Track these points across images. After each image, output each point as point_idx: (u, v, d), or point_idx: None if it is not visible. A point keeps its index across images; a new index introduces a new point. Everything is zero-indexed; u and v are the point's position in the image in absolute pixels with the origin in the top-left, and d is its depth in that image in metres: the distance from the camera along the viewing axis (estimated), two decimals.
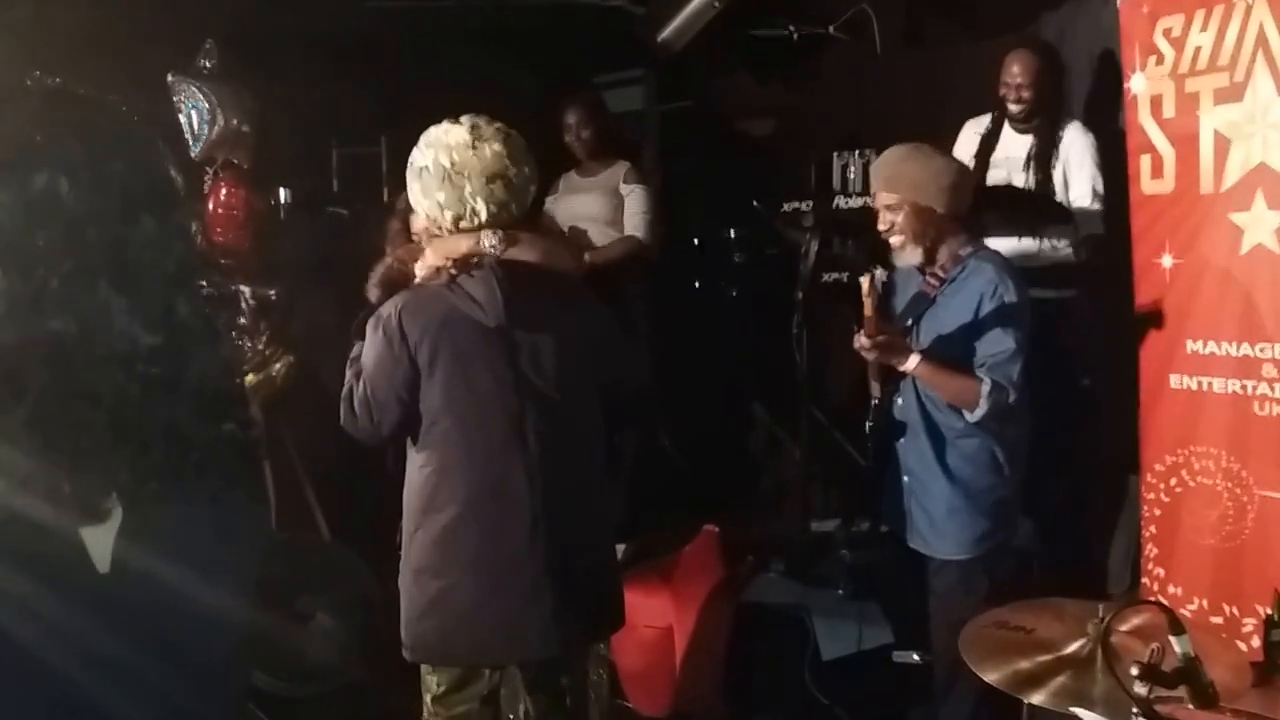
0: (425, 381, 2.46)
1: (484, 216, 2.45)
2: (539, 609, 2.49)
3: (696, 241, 5.65)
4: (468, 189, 2.42)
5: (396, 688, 2.94)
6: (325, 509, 4.30)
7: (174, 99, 3.98)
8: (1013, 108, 4.09)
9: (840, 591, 4.29)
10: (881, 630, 3.72)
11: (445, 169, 2.41)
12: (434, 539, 2.50)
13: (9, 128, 1.00)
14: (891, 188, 3.09)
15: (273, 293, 3.88)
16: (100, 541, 1.08)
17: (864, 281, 3.00)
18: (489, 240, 2.45)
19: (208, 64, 4.03)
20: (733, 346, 5.48)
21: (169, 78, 3.98)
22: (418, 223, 2.73)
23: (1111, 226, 3.94)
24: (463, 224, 2.45)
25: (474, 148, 2.41)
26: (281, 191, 4.31)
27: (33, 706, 1.05)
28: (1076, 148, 4.09)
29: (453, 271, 2.43)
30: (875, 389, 3.20)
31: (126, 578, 1.09)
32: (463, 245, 2.45)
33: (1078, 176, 4.06)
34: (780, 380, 5.23)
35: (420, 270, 2.51)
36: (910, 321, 3.19)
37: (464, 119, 2.47)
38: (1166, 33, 3.33)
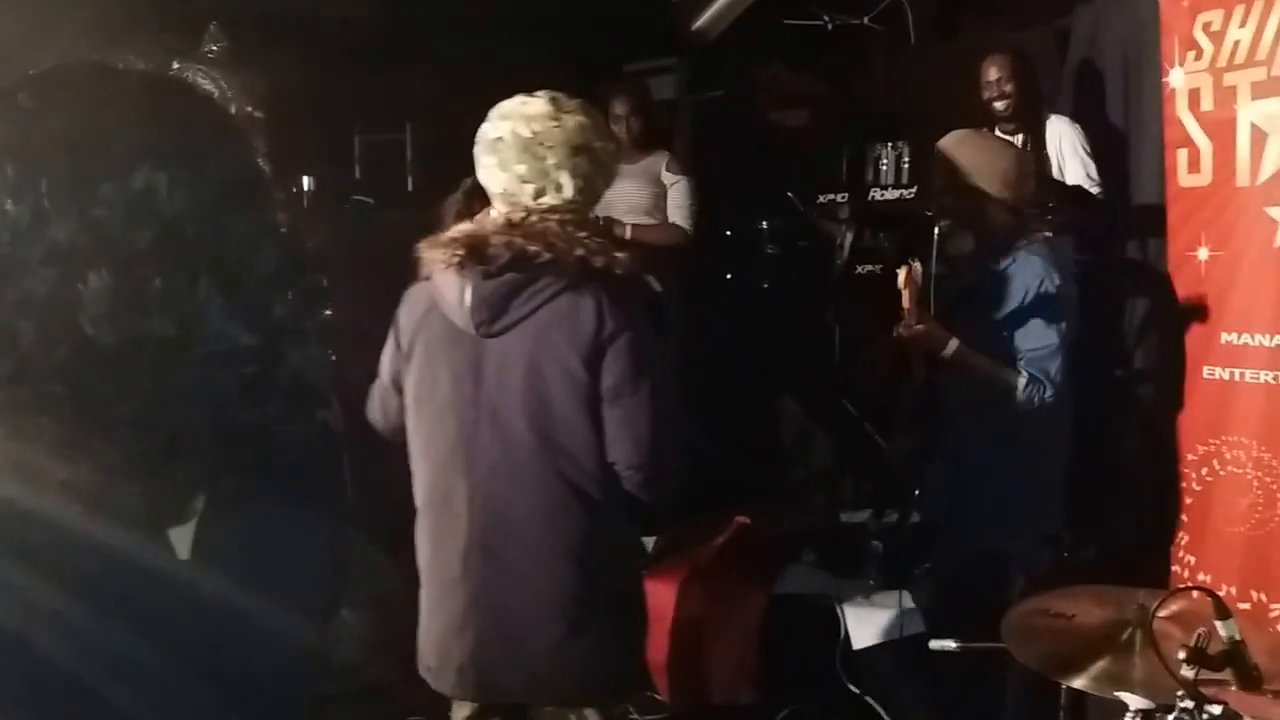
0: (404, 371, 2.36)
1: (569, 192, 2.20)
2: (461, 645, 2.27)
3: (729, 232, 5.68)
4: (550, 160, 2.18)
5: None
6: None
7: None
8: (998, 105, 4.27)
9: (871, 581, 4.34)
10: (913, 619, 3.75)
11: (525, 140, 2.18)
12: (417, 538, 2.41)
13: (108, 121, 0.98)
14: (952, 172, 3.06)
15: (324, 282, 3.88)
16: (183, 533, 1.07)
17: (901, 272, 3.02)
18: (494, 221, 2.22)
19: (214, 48, 3.94)
20: (764, 338, 5.50)
21: (174, 65, 3.93)
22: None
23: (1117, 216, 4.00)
24: (545, 200, 2.19)
25: (556, 119, 2.20)
26: (305, 179, 4.25)
27: (112, 693, 1.04)
28: (1066, 138, 4.23)
29: (448, 260, 2.21)
30: (917, 376, 3.21)
31: (206, 568, 1.08)
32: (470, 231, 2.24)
33: (1072, 164, 4.19)
34: (812, 371, 5.27)
35: (426, 255, 2.31)
36: (954, 308, 3.20)
37: (540, 92, 2.26)
38: (1206, 27, 3.35)
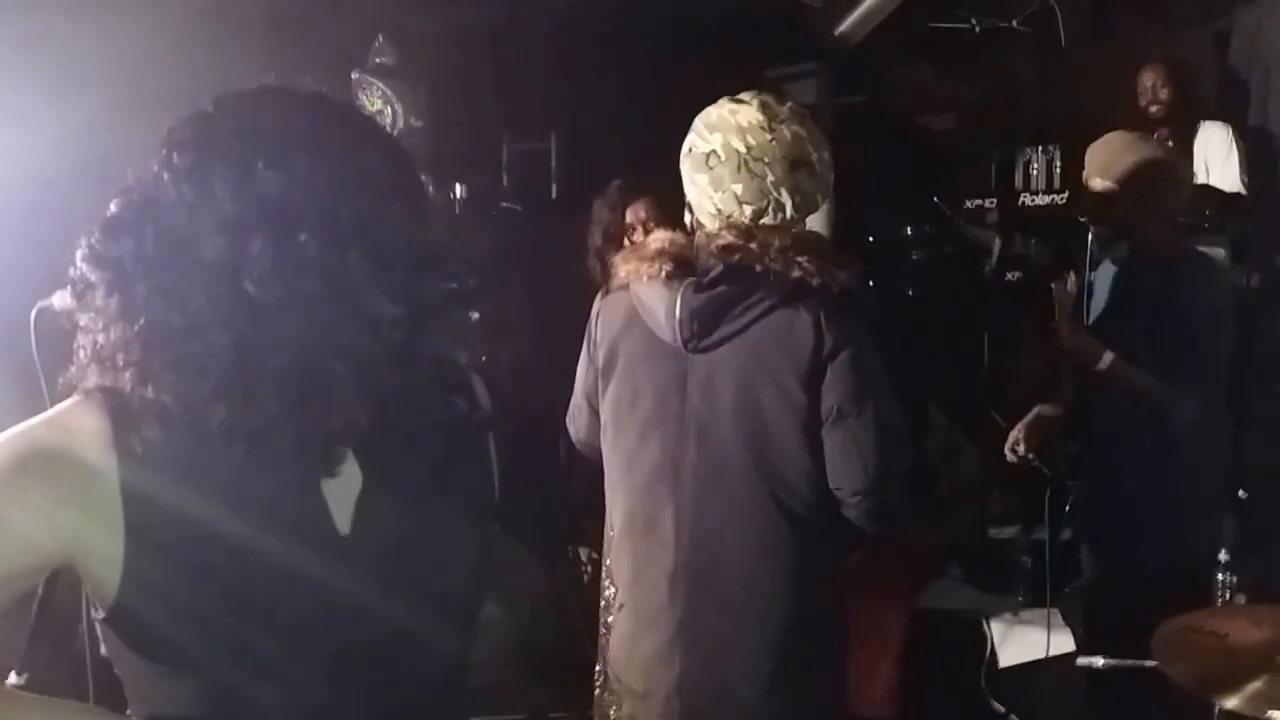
0: (602, 387, 2.26)
1: (790, 210, 2.06)
2: (669, 674, 2.15)
3: (871, 239, 5.61)
4: (770, 178, 2.03)
5: (561, 683, 2.91)
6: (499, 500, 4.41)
7: (358, 97, 4.01)
8: (1153, 109, 4.37)
9: (1019, 598, 4.23)
10: (1062, 637, 3.64)
11: (741, 155, 2.03)
12: (607, 554, 2.33)
13: (274, 116, 1.15)
14: (1107, 175, 2.96)
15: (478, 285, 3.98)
16: (342, 502, 1.20)
17: (1055, 285, 2.95)
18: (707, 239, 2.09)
19: (382, 60, 4.08)
20: (910, 347, 5.41)
21: (353, 75, 4.02)
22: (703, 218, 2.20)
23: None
24: (765, 220, 2.05)
25: (771, 130, 2.04)
26: (457, 187, 4.28)
27: (275, 661, 1.16)
28: (1219, 143, 4.26)
29: (651, 273, 2.12)
30: (1065, 391, 3.13)
31: (364, 540, 1.21)
32: (672, 244, 2.14)
33: (1224, 170, 4.22)
34: (959, 382, 5.16)
35: (624, 267, 2.21)
36: (1102, 319, 3.10)
37: (747, 96, 2.10)
38: None
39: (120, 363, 1.09)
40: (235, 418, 1.08)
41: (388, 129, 4.04)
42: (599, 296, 2.34)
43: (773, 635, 2.11)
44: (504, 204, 4.51)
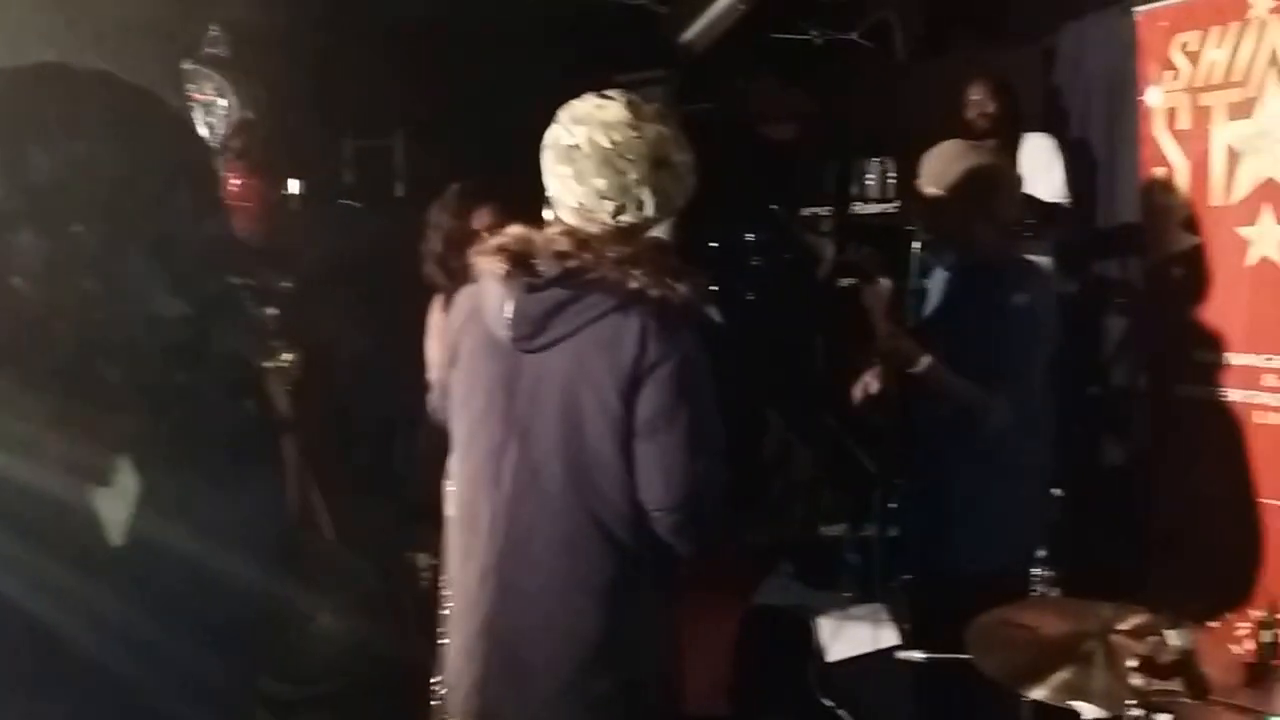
0: (451, 376, 2.26)
1: (650, 209, 2.04)
2: (470, 669, 2.14)
3: (714, 244, 5.70)
4: (632, 175, 2.01)
5: (399, 692, 2.85)
6: (330, 508, 4.31)
7: (189, 87, 3.90)
8: (980, 124, 4.44)
9: (847, 594, 4.36)
10: (886, 632, 3.76)
11: (606, 151, 2.00)
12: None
13: (50, 98, 1.06)
14: (940, 183, 3.02)
15: (287, 284, 3.86)
16: (115, 512, 1.11)
17: (867, 289, 3.02)
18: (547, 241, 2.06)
19: (217, 51, 3.96)
20: (748, 350, 5.52)
21: (184, 65, 3.89)
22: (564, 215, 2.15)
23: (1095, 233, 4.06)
24: (624, 218, 2.04)
25: (636, 128, 2.01)
26: (292, 183, 4.23)
27: (43, 676, 1.09)
28: (1041, 155, 4.39)
29: (491, 268, 2.09)
30: (874, 384, 3.20)
31: (141, 550, 1.12)
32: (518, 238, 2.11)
33: (1045, 181, 4.32)
34: (794, 384, 5.30)
35: (476, 260, 2.17)
36: (932, 323, 3.20)
37: (614, 93, 2.08)
38: (1183, 47, 3.40)
39: None
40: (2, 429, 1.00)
41: (220, 121, 3.91)
42: (439, 299, 2.32)
43: (575, 646, 2.08)
44: (342, 201, 4.40)
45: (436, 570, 2.53)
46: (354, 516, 4.21)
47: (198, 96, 3.92)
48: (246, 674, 1.29)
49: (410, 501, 3.39)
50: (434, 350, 2.35)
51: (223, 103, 3.93)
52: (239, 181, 3.88)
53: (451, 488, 2.27)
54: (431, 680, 2.37)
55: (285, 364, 3.62)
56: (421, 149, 4.57)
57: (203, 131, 3.93)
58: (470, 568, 2.15)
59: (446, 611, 2.28)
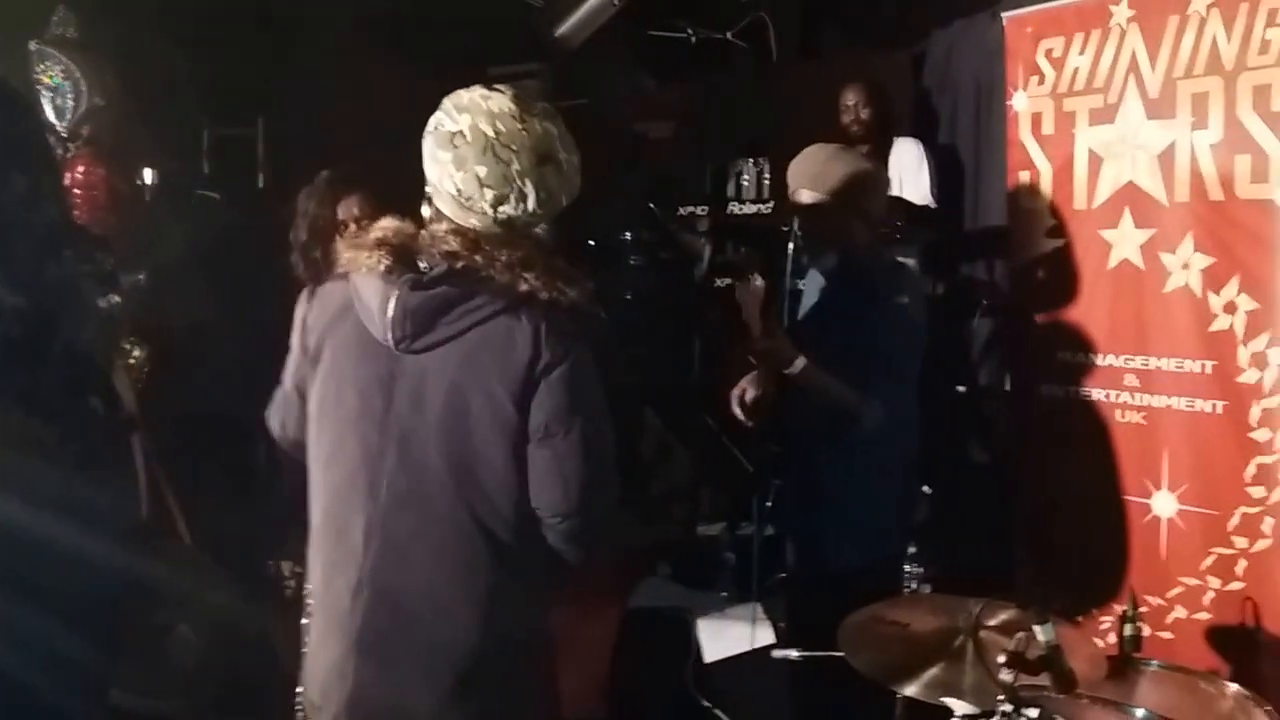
0: (310, 377, 2.12)
1: (532, 203, 1.98)
2: (341, 688, 2.04)
3: (591, 242, 5.67)
4: (515, 166, 1.96)
5: (261, 708, 2.77)
6: (186, 514, 4.14)
7: (36, 69, 3.70)
8: (854, 128, 4.58)
9: (724, 594, 4.37)
10: (763, 631, 3.78)
11: (488, 138, 1.96)
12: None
13: None
14: (815, 186, 3.04)
15: (141, 277, 3.69)
16: None
17: (738, 289, 3.02)
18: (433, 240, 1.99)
19: (65, 32, 3.77)
20: (626, 350, 5.50)
21: (31, 45, 3.70)
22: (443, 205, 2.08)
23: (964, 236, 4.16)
24: (504, 209, 1.98)
25: (522, 121, 1.96)
26: (147, 173, 4.04)
27: None
28: (911, 158, 4.51)
29: (369, 264, 2.00)
30: (752, 393, 3.21)
31: None
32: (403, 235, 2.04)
33: (914, 184, 4.45)
34: (672, 384, 5.29)
35: (345, 255, 2.08)
36: (807, 324, 3.22)
37: (502, 86, 2.03)
38: (1048, 53, 3.48)
39: None
40: None
41: (69, 106, 3.72)
42: (305, 292, 2.21)
43: (456, 654, 2.01)
44: (201, 192, 4.24)
45: (301, 579, 2.41)
46: (213, 522, 4.04)
47: (45, 80, 3.73)
48: (97, 687, 1.20)
49: (273, 507, 3.26)
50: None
51: (70, 87, 3.74)
52: (83, 169, 3.70)
53: (316, 497, 2.12)
54: (296, 694, 2.27)
55: (134, 360, 3.45)
56: (284, 139, 4.43)
57: (50, 117, 3.74)
58: (339, 582, 2.05)
59: (307, 627, 2.17)
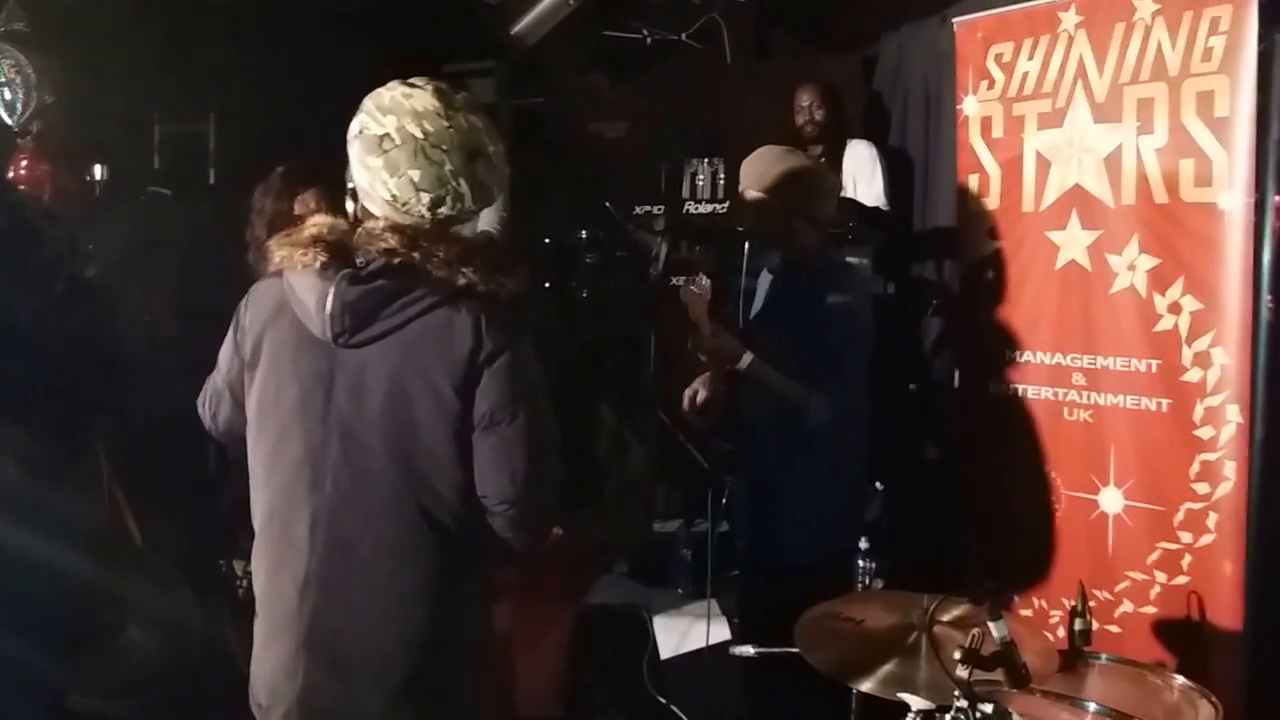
0: (248, 380, 2.11)
1: (469, 201, 2.01)
2: (291, 687, 2.04)
3: (547, 240, 5.67)
4: (448, 166, 1.96)
5: (215, 706, 2.76)
6: (137, 514, 4.09)
7: None
8: (807, 129, 4.65)
9: (680, 590, 4.39)
10: (719, 627, 3.80)
11: (418, 140, 1.95)
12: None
13: None
14: (761, 186, 3.09)
15: (90, 274, 3.64)
16: None
17: (684, 288, 3.05)
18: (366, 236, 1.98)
19: (14, 27, 3.72)
20: (582, 347, 5.51)
21: None
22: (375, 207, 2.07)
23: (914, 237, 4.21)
24: (442, 210, 1.99)
25: (448, 118, 1.97)
26: (97, 169, 3.96)
27: None
28: (864, 160, 4.58)
29: (305, 260, 1.99)
30: (703, 394, 3.24)
31: None
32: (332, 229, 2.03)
33: (867, 186, 4.51)
34: (627, 381, 5.31)
35: (278, 252, 2.06)
36: (758, 322, 3.25)
37: (420, 80, 2.02)
38: (998, 58, 3.53)
39: None
40: None
41: (18, 101, 3.66)
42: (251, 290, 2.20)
43: (406, 648, 2.02)
44: (152, 188, 4.19)
45: (252, 578, 2.42)
46: (165, 521, 3.99)
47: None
48: (51, 687, 1.19)
49: (224, 505, 3.24)
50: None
51: (20, 82, 3.68)
52: (26, 163, 3.63)
53: (259, 496, 2.11)
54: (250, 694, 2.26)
55: None
56: (237, 136, 4.39)
57: (4, 112, 3.69)
58: (285, 579, 2.05)
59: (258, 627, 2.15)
